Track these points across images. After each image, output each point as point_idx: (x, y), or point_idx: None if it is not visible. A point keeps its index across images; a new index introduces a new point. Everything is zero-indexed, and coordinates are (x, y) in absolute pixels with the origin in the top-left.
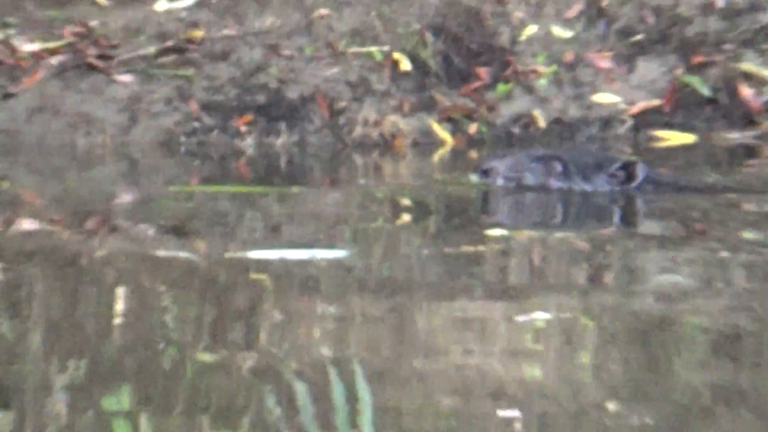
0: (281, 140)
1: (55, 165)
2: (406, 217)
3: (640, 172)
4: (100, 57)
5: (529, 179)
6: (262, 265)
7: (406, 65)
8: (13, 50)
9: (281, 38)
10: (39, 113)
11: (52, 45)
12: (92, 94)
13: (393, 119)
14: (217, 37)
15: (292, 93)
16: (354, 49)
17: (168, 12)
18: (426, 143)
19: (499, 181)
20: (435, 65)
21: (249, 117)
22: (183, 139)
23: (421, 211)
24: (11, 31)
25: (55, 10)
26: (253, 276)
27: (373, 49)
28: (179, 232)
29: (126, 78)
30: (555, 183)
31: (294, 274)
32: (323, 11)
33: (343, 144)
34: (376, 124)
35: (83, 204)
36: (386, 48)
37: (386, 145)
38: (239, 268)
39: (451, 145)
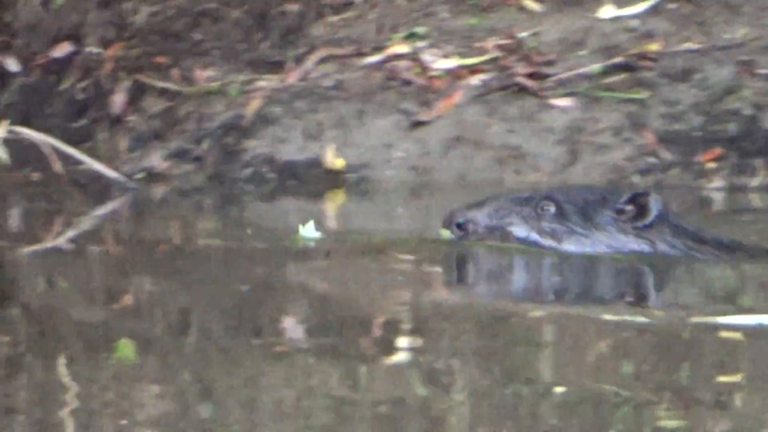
0: (756, 181)
1: None
2: None
3: (653, 205)
4: (532, 76)
5: (517, 228)
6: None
7: None
8: (424, 67)
9: (756, 53)
10: (457, 145)
11: (471, 61)
12: (522, 121)
13: None
14: (678, 51)
15: None
16: None
17: (615, 20)
18: None
19: (479, 234)
20: None
21: (717, 151)
22: (635, 178)
23: None
24: (421, 44)
25: (474, 17)
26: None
27: None
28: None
29: (564, 102)
30: (547, 228)
31: None
32: None
33: None
34: None
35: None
36: None
37: None
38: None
39: None
